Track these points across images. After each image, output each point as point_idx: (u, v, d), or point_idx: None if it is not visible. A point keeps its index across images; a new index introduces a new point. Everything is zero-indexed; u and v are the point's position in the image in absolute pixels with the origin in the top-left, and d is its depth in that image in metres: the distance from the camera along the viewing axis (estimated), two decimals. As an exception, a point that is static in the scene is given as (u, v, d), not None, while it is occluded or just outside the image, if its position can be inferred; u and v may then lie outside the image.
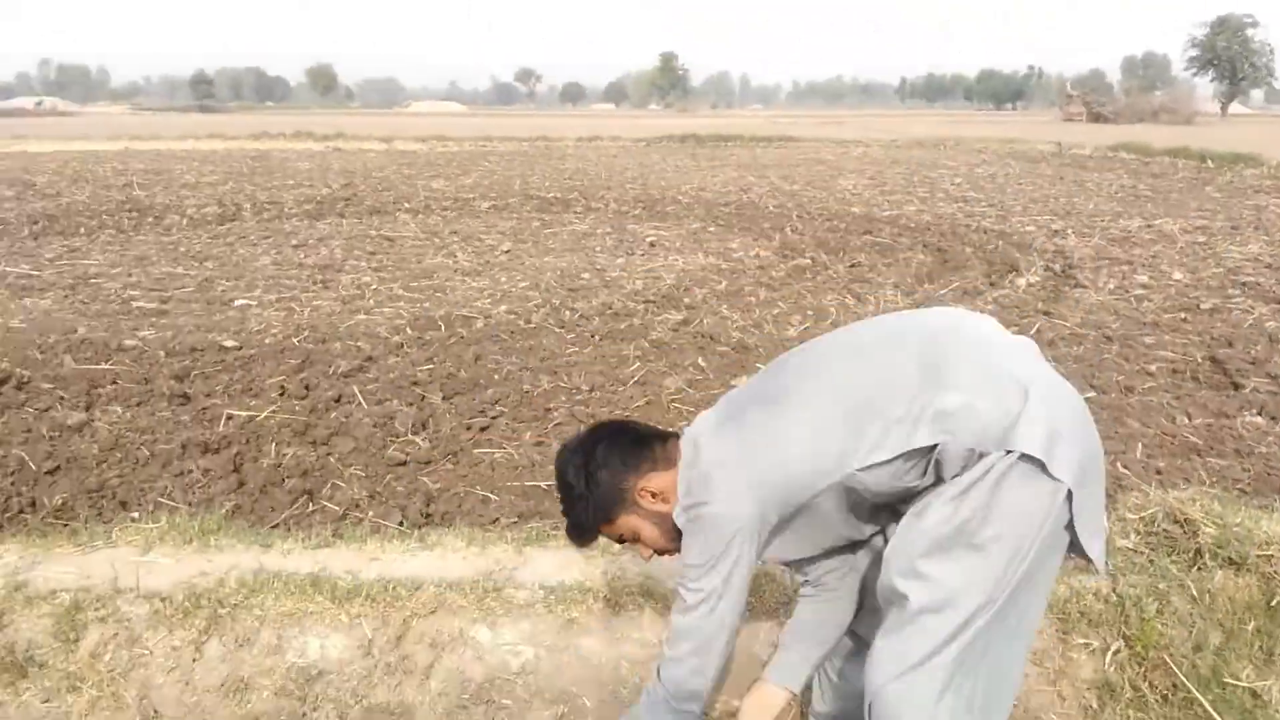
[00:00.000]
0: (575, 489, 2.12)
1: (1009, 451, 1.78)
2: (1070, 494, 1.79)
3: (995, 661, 1.87)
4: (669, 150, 27.14)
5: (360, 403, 5.25)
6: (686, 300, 7.77)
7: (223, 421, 4.83)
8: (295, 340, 6.48)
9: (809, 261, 9.37)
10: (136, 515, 3.69)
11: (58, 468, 4.20)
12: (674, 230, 11.63)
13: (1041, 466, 1.77)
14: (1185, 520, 2.95)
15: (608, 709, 2.69)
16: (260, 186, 16.12)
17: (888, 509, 2.04)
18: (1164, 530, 2.99)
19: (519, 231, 11.63)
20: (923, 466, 1.86)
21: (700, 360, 6.04)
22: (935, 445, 1.82)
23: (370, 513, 3.86)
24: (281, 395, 5.33)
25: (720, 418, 2.09)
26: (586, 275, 8.85)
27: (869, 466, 1.88)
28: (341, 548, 3.11)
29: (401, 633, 2.76)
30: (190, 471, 4.19)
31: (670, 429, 2.25)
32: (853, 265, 9.24)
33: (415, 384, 5.60)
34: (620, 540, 2.21)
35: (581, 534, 2.19)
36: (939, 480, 1.87)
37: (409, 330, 6.83)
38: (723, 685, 2.58)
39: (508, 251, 10.18)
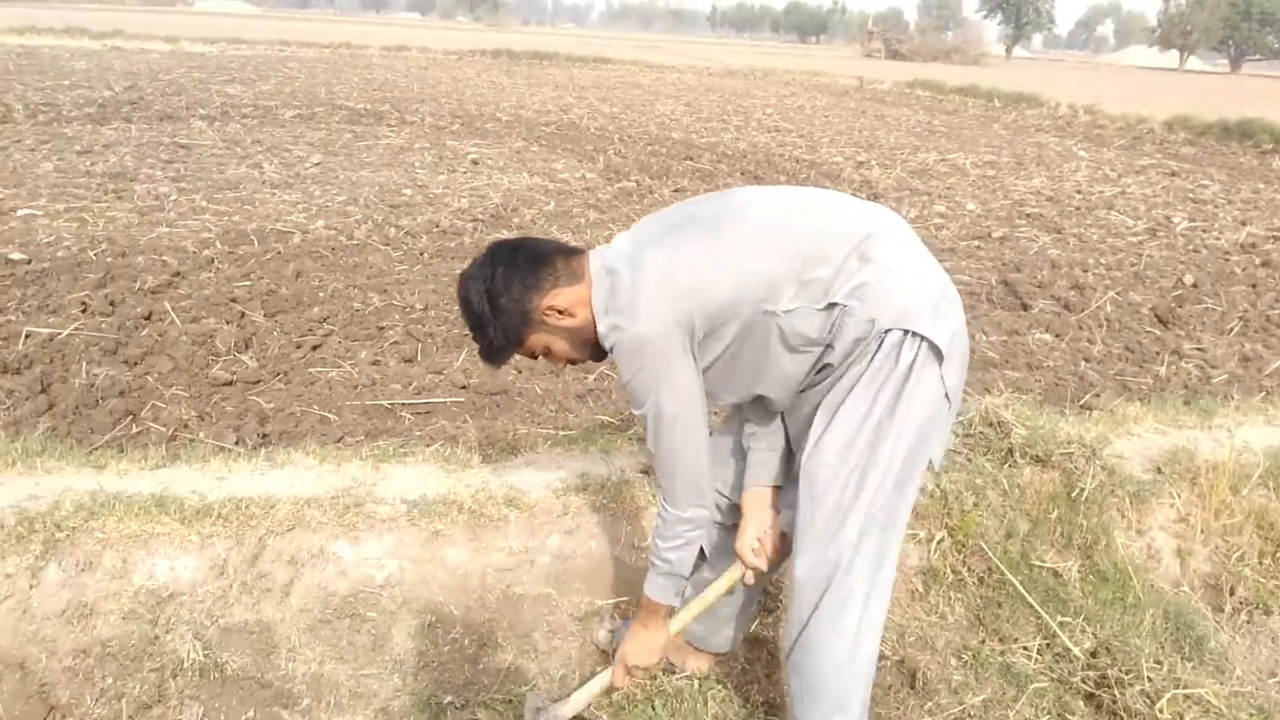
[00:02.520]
0: (481, 316, 2.08)
1: (909, 332, 1.94)
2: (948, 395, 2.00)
3: (892, 551, 2.07)
4: (482, 65, 26.41)
5: (174, 320, 4.94)
6: (515, 220, 7.69)
7: (22, 340, 4.43)
8: (92, 254, 5.99)
9: (634, 185, 9.45)
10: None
11: None
12: (496, 148, 11.40)
13: (938, 355, 1.95)
14: (999, 422, 3.27)
15: (475, 615, 2.73)
16: (31, 86, 14.59)
17: (797, 392, 2.14)
18: (980, 432, 3.29)
19: (329, 143, 11.09)
20: (828, 324, 1.99)
21: (534, 279, 6.01)
22: (845, 305, 1.96)
23: (202, 433, 3.68)
24: (84, 312, 4.94)
25: (648, 236, 2.08)
26: (408, 191, 8.58)
27: (790, 310, 1.98)
28: (183, 468, 2.96)
29: (258, 551, 2.68)
30: (-9, 393, 3.85)
31: (572, 245, 2.18)
32: (676, 190, 9.38)
33: (233, 301, 5.32)
34: (534, 356, 2.18)
35: (495, 357, 2.15)
36: (829, 347, 2.01)
37: (219, 245, 6.43)
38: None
39: (319, 164, 9.71)
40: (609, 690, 2.43)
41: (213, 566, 2.62)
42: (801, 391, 2.14)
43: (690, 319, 1.97)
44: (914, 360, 1.96)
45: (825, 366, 2.05)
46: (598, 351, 2.15)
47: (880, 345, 1.97)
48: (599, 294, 2.04)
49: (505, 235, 7.08)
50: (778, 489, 2.37)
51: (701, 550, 2.33)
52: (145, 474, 2.88)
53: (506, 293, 2.05)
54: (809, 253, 1.98)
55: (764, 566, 2.32)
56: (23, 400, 3.83)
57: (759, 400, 2.24)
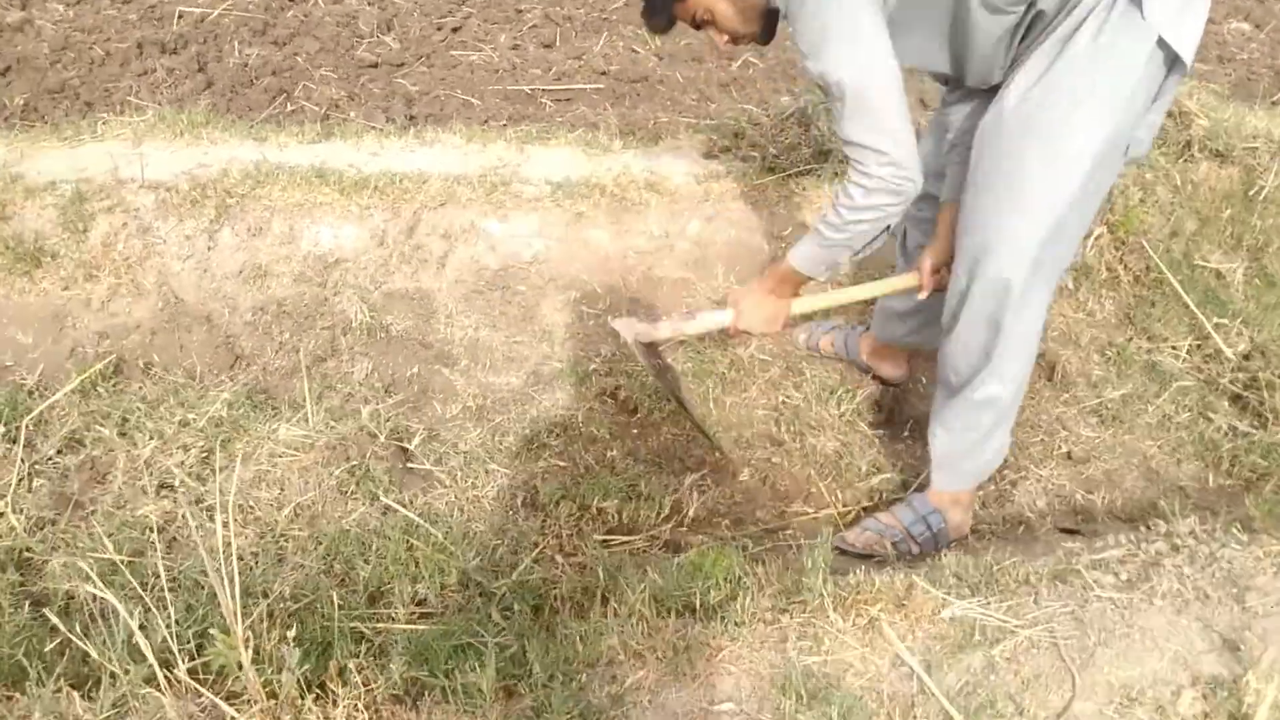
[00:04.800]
0: None
1: None
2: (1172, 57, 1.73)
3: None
4: None
5: (318, 1, 4.91)
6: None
7: (175, 20, 4.50)
8: (232, -67, 5.90)
9: None
10: (105, 117, 3.54)
11: (9, 68, 3.95)
12: None
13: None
14: (1180, 112, 3.00)
15: (617, 294, 2.83)
16: None
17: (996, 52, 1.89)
18: (1158, 124, 3.04)
19: None
20: None
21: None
22: None
23: (352, 113, 3.74)
24: (230, -8, 4.94)
25: None
26: None
27: None
28: (339, 143, 3.05)
29: (413, 224, 2.79)
30: (154, 71, 3.96)
31: None
32: None
33: (373, -18, 5.22)
34: (695, 25, 2.00)
35: (653, 16, 2.00)
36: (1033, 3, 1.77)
37: (355, -76, 6.23)
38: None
39: None
40: (714, 335, 2.41)
41: (373, 236, 2.76)
42: (1010, 70, 1.88)
43: None
44: (1131, 23, 1.68)
45: (1034, 22, 1.80)
46: (766, 27, 1.95)
47: (1097, 5, 1.70)
48: None
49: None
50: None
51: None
52: (303, 147, 2.99)
53: None
54: None
55: (931, 286, 2.16)
56: (182, 79, 3.95)
57: (961, 89, 2.04)
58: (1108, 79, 1.73)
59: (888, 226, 1.96)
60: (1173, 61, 1.74)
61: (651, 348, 2.39)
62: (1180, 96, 3.04)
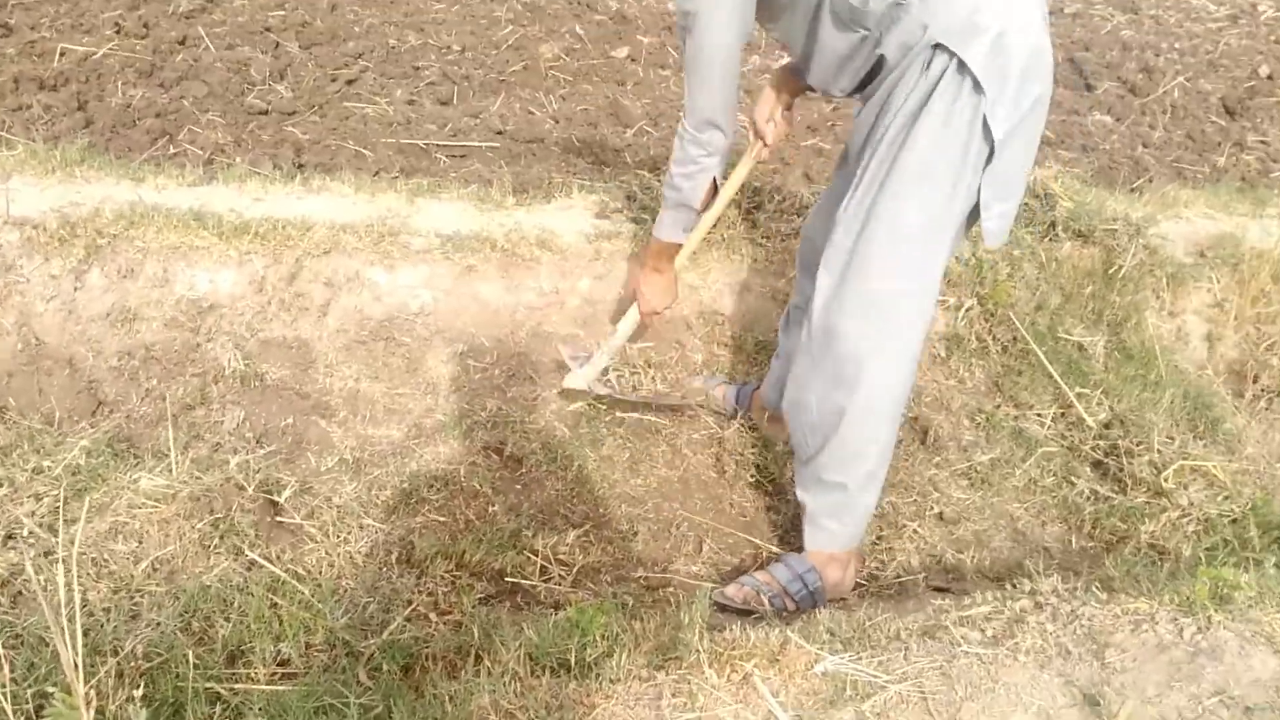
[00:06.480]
0: None
1: (957, 58, 1.77)
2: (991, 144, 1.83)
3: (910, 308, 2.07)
4: None
5: (208, 46, 4.81)
6: (558, -37, 7.28)
7: (57, 57, 4.35)
8: (122, -27, 5.77)
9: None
10: (-27, 150, 3.38)
11: None
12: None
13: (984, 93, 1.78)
14: (1045, 194, 3.18)
15: (506, 348, 2.81)
16: None
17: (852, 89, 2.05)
18: (1024, 203, 3.22)
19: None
20: (881, 11, 1.85)
21: (577, 28, 5.77)
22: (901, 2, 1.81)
23: (238, 158, 3.66)
24: (119, 33, 4.81)
25: None
26: (447, -73, 8.10)
27: None
28: (220, 187, 2.97)
29: (295, 271, 2.73)
30: (30, 107, 3.82)
31: None
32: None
33: (267, 30, 5.15)
34: None
35: None
36: (879, 41, 1.87)
37: (253, -28, 6.17)
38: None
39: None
40: (637, 332, 2.67)
41: (251, 282, 2.68)
42: (857, 92, 2.04)
43: None
44: (957, 94, 1.79)
45: (878, 66, 1.93)
46: None
47: (927, 66, 1.81)
48: None
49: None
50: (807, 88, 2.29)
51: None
52: (183, 190, 2.90)
53: None
54: None
55: (768, 139, 2.32)
56: (60, 116, 3.81)
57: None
58: (944, 174, 1.86)
59: (714, 179, 2.23)
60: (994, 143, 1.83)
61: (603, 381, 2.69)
62: (1046, 180, 3.23)
